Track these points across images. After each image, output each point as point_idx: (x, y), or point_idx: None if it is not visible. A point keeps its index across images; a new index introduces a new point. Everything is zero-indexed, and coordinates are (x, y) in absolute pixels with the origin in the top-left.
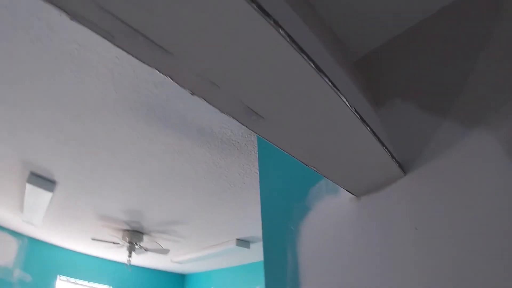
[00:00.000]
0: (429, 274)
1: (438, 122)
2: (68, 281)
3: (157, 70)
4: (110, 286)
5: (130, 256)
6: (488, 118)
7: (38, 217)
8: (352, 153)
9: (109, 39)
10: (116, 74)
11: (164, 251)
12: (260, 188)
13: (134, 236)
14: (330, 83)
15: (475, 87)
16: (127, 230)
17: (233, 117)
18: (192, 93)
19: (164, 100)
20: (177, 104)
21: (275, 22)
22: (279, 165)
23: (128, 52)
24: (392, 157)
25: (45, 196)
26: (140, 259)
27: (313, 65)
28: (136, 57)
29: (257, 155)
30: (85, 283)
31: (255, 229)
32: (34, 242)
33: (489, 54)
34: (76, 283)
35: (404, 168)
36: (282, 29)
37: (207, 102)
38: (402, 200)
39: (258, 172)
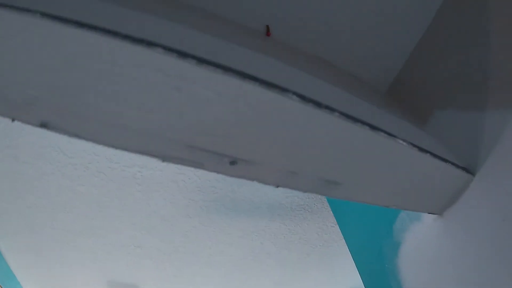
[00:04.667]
0: None
1: (481, 114)
2: None
3: (243, 178)
4: None
5: None
6: None
7: None
8: (424, 180)
9: (199, 167)
10: (181, 182)
11: None
12: (346, 242)
13: None
14: (387, 135)
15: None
16: None
17: (312, 192)
18: (277, 186)
19: (229, 191)
20: (243, 191)
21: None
22: (356, 214)
23: (215, 172)
24: (457, 166)
25: None
26: None
27: (383, 133)
28: (222, 174)
29: (329, 210)
30: None
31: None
32: None
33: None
34: None
35: (471, 171)
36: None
37: (290, 188)
38: (478, 201)
39: (334, 226)
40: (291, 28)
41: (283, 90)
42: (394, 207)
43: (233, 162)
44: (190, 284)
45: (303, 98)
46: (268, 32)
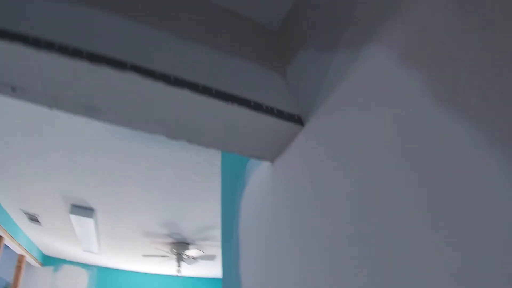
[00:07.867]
0: (325, 229)
1: (327, 67)
2: None
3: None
4: None
5: (179, 266)
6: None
7: (93, 243)
8: (248, 128)
9: None
10: None
11: (211, 257)
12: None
13: (180, 247)
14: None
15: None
16: (173, 243)
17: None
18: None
19: None
20: None
21: None
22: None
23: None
24: (282, 118)
25: (89, 222)
26: (195, 270)
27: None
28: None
29: None
30: None
31: None
32: (101, 270)
33: None
34: None
35: (303, 120)
36: None
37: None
38: (300, 154)
39: None
40: None
41: None
42: (226, 150)
43: (13, 89)
44: (134, 205)
45: None
46: None
